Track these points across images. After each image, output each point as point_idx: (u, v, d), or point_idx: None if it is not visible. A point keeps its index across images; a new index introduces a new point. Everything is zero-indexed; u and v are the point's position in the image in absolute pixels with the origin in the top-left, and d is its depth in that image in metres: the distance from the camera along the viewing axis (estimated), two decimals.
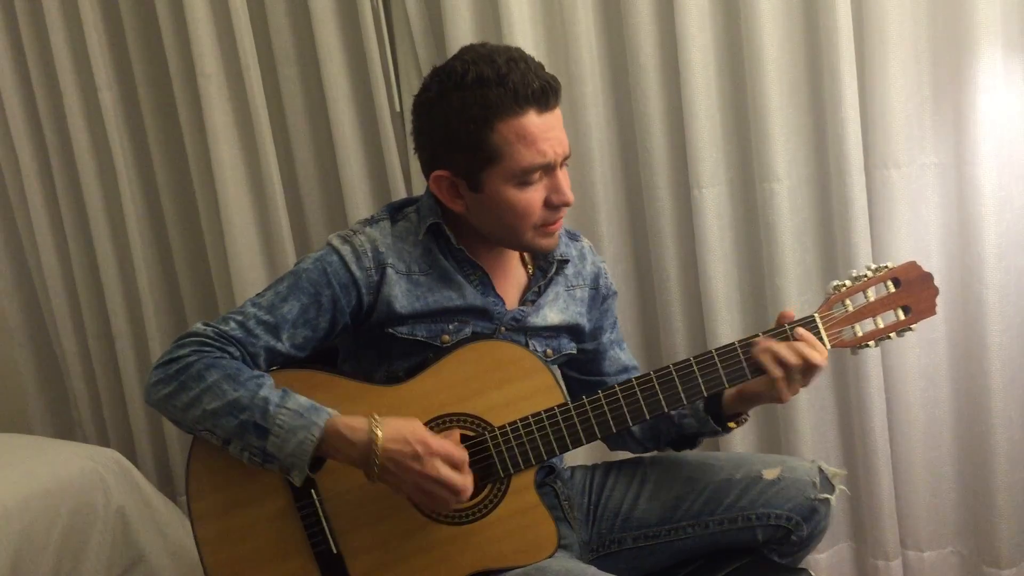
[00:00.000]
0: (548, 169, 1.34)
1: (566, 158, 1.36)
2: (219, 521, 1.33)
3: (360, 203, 2.23)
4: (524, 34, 2.00)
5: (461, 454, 1.27)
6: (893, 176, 1.90)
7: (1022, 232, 1.87)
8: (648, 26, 1.96)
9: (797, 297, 1.98)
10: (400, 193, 2.20)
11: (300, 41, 2.25)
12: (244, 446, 1.26)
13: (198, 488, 1.34)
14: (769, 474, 1.45)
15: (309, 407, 1.26)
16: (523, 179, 1.32)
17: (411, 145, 2.16)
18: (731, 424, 1.47)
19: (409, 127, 2.16)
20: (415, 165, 2.21)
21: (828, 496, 1.45)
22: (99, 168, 2.50)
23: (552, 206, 1.35)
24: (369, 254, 1.38)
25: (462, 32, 2.04)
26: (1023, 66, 1.81)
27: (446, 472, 1.24)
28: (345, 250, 1.38)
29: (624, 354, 1.62)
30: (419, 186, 2.20)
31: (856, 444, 2.03)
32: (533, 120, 1.30)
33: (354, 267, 1.36)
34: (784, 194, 1.95)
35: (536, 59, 1.34)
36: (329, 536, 1.32)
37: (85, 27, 2.36)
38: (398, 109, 2.20)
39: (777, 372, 1.32)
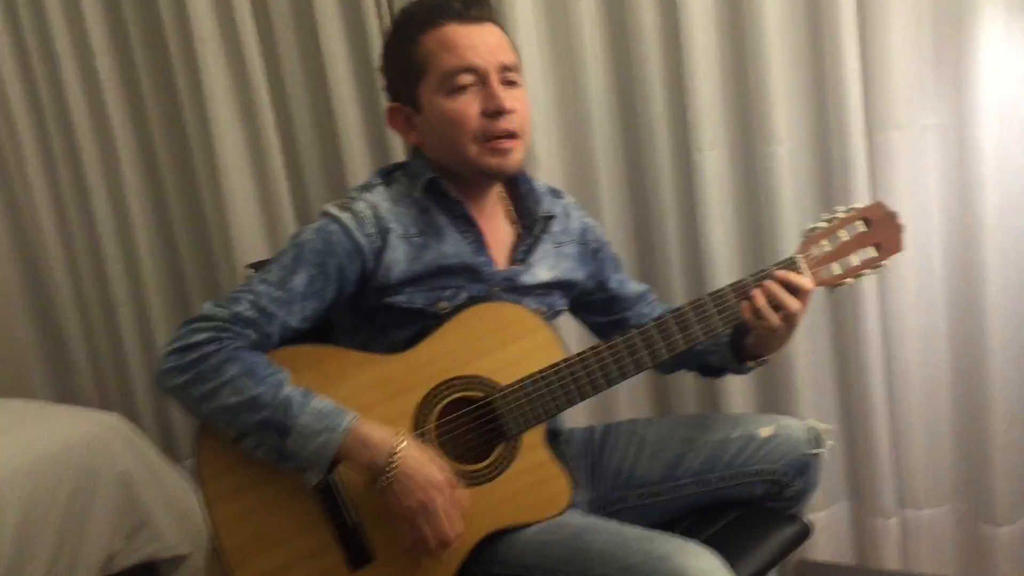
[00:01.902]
0: (480, 78, 1.36)
1: (506, 69, 1.38)
2: (235, 502, 1.30)
3: (359, 168, 2.23)
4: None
5: (463, 499, 1.28)
6: (894, 137, 1.90)
7: (1022, 194, 1.87)
8: None
9: None
10: (400, 158, 2.19)
11: (297, 5, 2.23)
12: (260, 443, 1.26)
13: (211, 470, 1.31)
14: (764, 432, 1.50)
15: (333, 411, 1.26)
16: (450, 86, 1.35)
17: None
18: (750, 363, 1.50)
19: None
20: None
21: (819, 451, 1.50)
22: (97, 134, 2.49)
23: (489, 115, 1.35)
24: (371, 219, 1.37)
25: None
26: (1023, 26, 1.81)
27: (443, 515, 1.25)
28: (345, 217, 1.37)
29: (634, 285, 1.65)
30: None
31: (854, 404, 2.05)
32: (454, 28, 1.36)
33: (357, 233, 1.36)
34: (785, 157, 1.95)
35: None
36: (345, 508, 1.32)
37: None
38: None
39: (759, 301, 1.37)
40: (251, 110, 2.27)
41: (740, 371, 1.54)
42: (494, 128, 1.36)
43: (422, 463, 1.25)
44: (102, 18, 2.40)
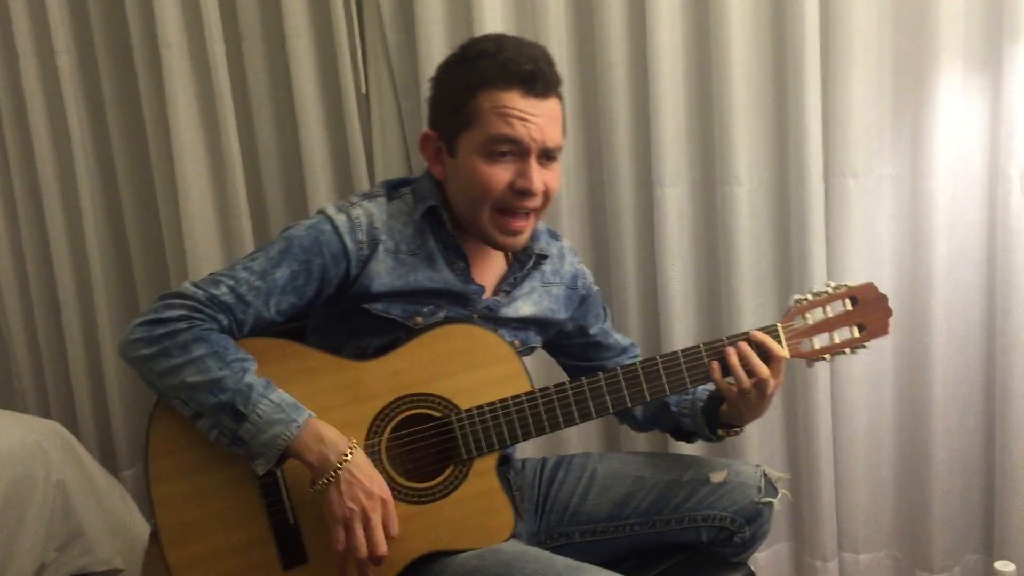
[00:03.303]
0: (520, 152, 1.34)
1: (547, 152, 1.36)
2: (177, 483, 1.31)
3: (321, 183, 2.22)
4: (495, 23, 2.00)
5: (395, 523, 1.28)
6: (850, 185, 1.93)
7: (972, 247, 1.91)
8: (618, 22, 1.97)
9: (752, 299, 2.01)
10: (362, 175, 2.18)
11: (267, 15, 2.22)
12: (215, 424, 1.26)
13: (158, 449, 1.32)
14: (716, 477, 1.49)
15: (291, 404, 1.26)
16: (491, 150, 1.34)
17: (376, 128, 2.19)
18: (721, 432, 1.50)
19: (376, 111, 2.18)
20: (378, 147, 2.20)
21: (771, 500, 1.50)
22: (53, 134, 2.45)
23: (516, 191, 1.35)
24: (364, 228, 1.37)
25: (432, 16, 2.04)
26: (981, 83, 1.85)
27: (379, 524, 1.25)
28: (340, 220, 1.37)
29: (618, 337, 1.65)
30: (381, 169, 2.19)
31: (800, 446, 2.07)
32: (514, 98, 1.32)
33: (347, 238, 1.36)
34: (744, 197, 1.97)
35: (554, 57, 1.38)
36: (288, 507, 1.32)
37: None
38: (364, 91, 2.18)
39: (732, 359, 1.36)
40: (213, 118, 2.25)
41: (710, 438, 1.53)
42: (515, 204, 1.36)
43: (367, 474, 1.26)
44: (66, 16, 2.36)
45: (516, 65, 1.32)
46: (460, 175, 1.38)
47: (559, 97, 1.38)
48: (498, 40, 1.38)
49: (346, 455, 1.25)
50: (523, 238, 1.41)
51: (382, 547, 1.25)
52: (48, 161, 2.45)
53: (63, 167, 2.46)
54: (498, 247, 1.43)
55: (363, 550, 1.24)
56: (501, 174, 1.34)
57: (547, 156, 1.37)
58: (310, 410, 1.27)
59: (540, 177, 1.35)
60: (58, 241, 2.50)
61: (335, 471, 1.24)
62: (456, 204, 1.41)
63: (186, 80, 2.24)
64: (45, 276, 2.58)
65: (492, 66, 1.33)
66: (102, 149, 2.45)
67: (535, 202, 1.37)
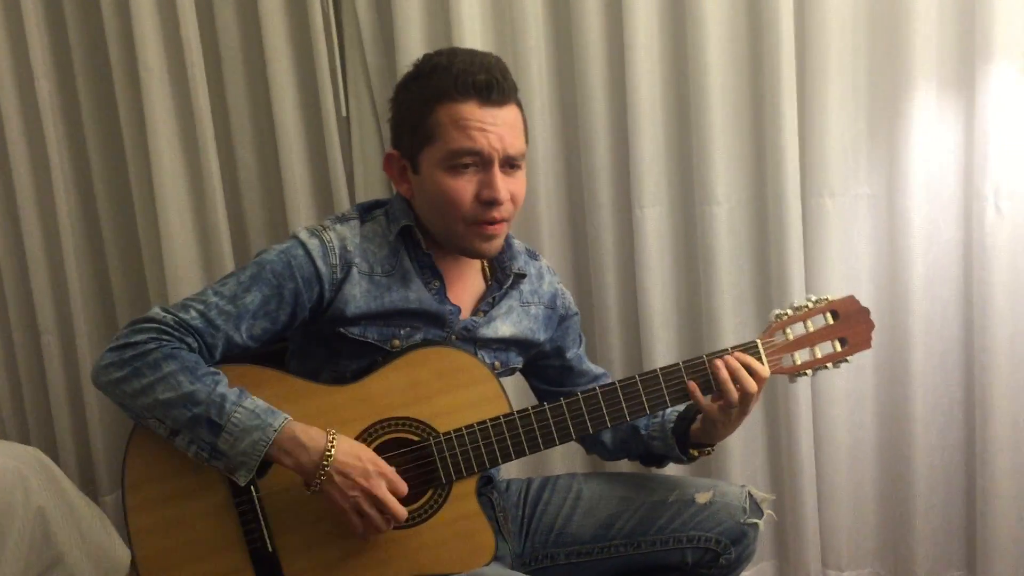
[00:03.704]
0: (483, 163, 1.34)
1: (511, 159, 1.36)
2: (154, 512, 1.31)
3: (301, 207, 2.21)
4: (474, 44, 2.01)
5: (403, 485, 1.29)
6: (828, 205, 1.95)
7: (948, 265, 1.93)
8: (596, 44, 1.99)
9: (732, 318, 2.02)
10: (343, 199, 2.18)
11: (247, 39, 2.22)
12: (193, 439, 1.25)
13: (135, 478, 1.31)
14: (701, 498, 1.49)
15: (266, 409, 1.27)
16: (452, 163, 1.34)
17: (356, 150, 2.19)
18: (694, 452, 1.50)
19: (356, 134, 2.19)
20: (359, 170, 2.20)
21: (757, 520, 1.49)
22: (31, 157, 2.43)
23: (482, 202, 1.35)
24: (336, 251, 1.37)
25: (413, 39, 2.04)
26: (955, 103, 1.88)
27: (390, 496, 1.27)
28: (312, 244, 1.37)
29: (591, 365, 1.65)
30: (362, 192, 2.19)
31: (783, 464, 2.08)
32: (471, 109, 1.33)
33: (320, 262, 1.36)
34: (723, 217, 1.99)
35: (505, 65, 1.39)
36: (265, 534, 1.31)
37: (24, 12, 2.30)
38: (344, 114, 2.19)
39: (722, 373, 1.35)
40: (193, 142, 2.24)
41: (682, 460, 1.52)
42: (484, 215, 1.36)
43: (355, 455, 1.27)
44: (45, 39, 2.35)
45: (470, 75, 1.32)
46: (426, 191, 1.38)
47: (518, 105, 1.39)
48: (451, 53, 1.38)
49: (329, 450, 1.25)
50: (499, 242, 1.41)
51: (400, 513, 1.28)
52: (27, 185, 2.43)
53: (41, 191, 2.44)
54: (477, 255, 1.42)
55: (383, 526, 1.28)
56: (466, 187, 1.35)
57: (510, 164, 1.37)
58: (286, 413, 1.27)
59: (505, 186, 1.35)
60: (37, 265, 2.48)
61: (323, 470, 1.25)
62: (427, 221, 1.41)
63: (166, 104, 2.24)
64: (24, 301, 2.55)
65: (446, 78, 1.33)
66: (81, 173, 2.44)
67: (503, 212, 1.37)
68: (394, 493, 1.28)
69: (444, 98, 1.33)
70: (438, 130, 1.34)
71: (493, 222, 1.36)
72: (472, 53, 1.38)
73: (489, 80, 1.33)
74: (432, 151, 1.35)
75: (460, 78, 1.32)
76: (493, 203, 1.35)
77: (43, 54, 2.34)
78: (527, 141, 1.41)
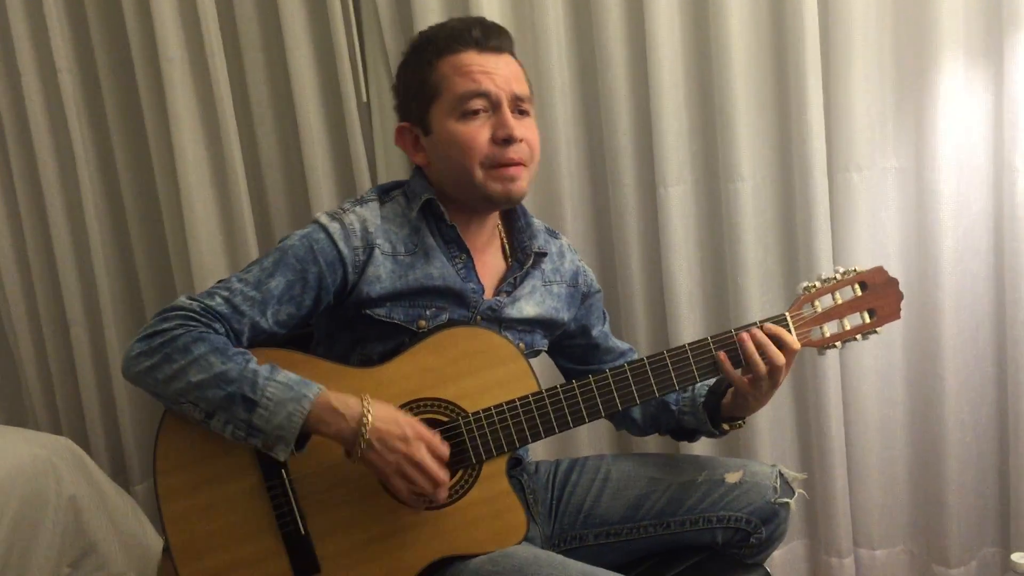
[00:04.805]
0: (492, 105, 1.37)
1: (519, 101, 1.39)
2: (187, 499, 1.31)
3: (324, 193, 2.22)
4: None
5: (444, 448, 1.28)
6: (855, 179, 1.93)
7: (978, 238, 1.91)
8: (617, 23, 1.97)
9: (759, 296, 2.01)
10: (365, 183, 2.18)
11: (267, 28, 2.22)
12: (229, 418, 1.25)
13: (166, 466, 1.32)
14: (731, 477, 1.48)
15: (299, 381, 1.26)
16: (462, 109, 1.36)
17: (378, 136, 2.19)
18: (726, 427, 1.49)
19: (377, 120, 2.19)
20: (380, 155, 2.20)
21: (788, 500, 1.48)
22: (57, 151, 2.45)
23: (498, 142, 1.36)
24: (358, 233, 1.38)
25: (431, 23, 2.02)
26: (983, 74, 1.85)
27: (430, 459, 1.26)
28: (334, 227, 1.37)
29: (617, 341, 1.65)
30: (384, 176, 2.19)
31: (812, 442, 2.06)
32: (471, 56, 1.37)
33: (342, 245, 1.36)
34: (748, 194, 1.97)
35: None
36: (298, 517, 1.31)
37: (46, 7, 2.31)
38: (365, 100, 2.18)
39: (748, 346, 1.34)
40: (216, 130, 2.25)
41: (714, 434, 1.51)
42: (502, 156, 1.36)
43: (393, 421, 1.26)
44: (67, 33, 2.36)
45: (463, 30, 1.38)
46: (441, 148, 1.39)
47: (515, 58, 1.42)
48: (439, 23, 1.45)
49: (366, 416, 1.24)
50: (521, 185, 1.39)
51: (441, 477, 1.26)
52: (52, 178, 2.46)
53: (67, 184, 2.47)
54: (502, 199, 1.40)
55: (428, 488, 1.26)
56: (479, 130, 1.36)
57: (519, 110, 1.39)
58: (319, 383, 1.27)
59: (518, 125, 1.37)
60: (64, 258, 2.51)
61: (363, 438, 1.24)
62: (446, 182, 1.41)
63: (188, 93, 2.25)
64: (52, 294, 2.58)
65: (442, 36, 1.39)
66: (106, 165, 2.46)
67: (520, 151, 1.37)
68: (434, 455, 1.26)
69: (443, 52, 1.38)
70: (443, 83, 1.37)
71: (512, 163, 1.37)
72: (461, 18, 1.44)
73: (484, 31, 1.38)
74: (440, 104, 1.38)
75: (454, 33, 1.38)
76: (509, 140, 1.36)
77: (65, 47, 2.36)
78: (532, 92, 1.44)
